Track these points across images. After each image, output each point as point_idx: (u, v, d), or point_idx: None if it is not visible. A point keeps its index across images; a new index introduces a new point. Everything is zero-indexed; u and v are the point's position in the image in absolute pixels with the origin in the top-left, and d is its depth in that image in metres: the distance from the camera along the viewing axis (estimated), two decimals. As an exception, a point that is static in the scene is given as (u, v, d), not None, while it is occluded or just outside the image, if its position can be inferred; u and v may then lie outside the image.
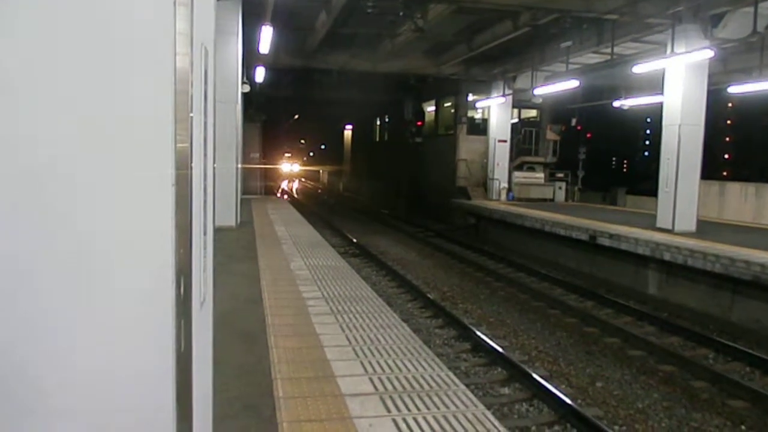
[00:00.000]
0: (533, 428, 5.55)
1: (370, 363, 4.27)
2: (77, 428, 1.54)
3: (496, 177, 21.12)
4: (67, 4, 1.46)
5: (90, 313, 1.50)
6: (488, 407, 3.84)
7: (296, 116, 42.85)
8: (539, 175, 22.44)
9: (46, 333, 1.48)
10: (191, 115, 1.61)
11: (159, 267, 1.54)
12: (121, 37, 1.48)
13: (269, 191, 30.42)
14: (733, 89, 14.12)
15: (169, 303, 1.55)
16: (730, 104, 53.29)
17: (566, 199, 21.77)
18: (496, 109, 21.07)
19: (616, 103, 19.11)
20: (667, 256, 10.22)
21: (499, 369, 6.95)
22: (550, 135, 23.27)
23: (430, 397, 3.69)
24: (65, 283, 1.48)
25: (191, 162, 1.63)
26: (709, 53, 10.95)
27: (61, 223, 1.47)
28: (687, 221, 12.06)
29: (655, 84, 14.24)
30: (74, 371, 1.52)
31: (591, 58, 16.83)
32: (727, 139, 57.77)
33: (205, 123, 1.95)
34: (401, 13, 13.58)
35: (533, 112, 23.51)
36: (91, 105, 1.47)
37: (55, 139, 1.46)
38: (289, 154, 71.59)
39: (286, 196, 34.37)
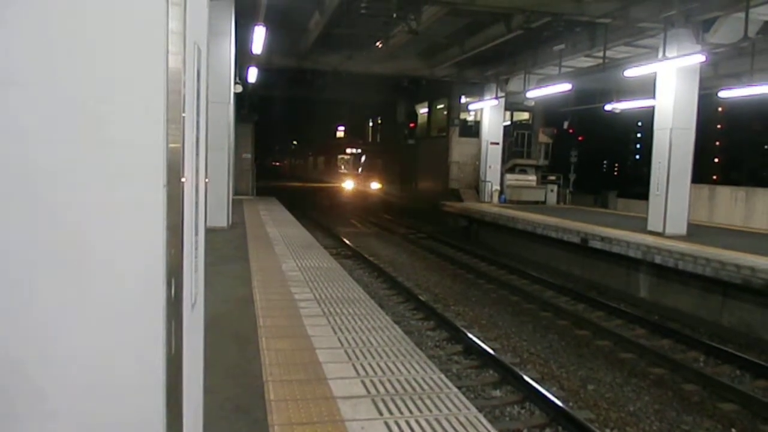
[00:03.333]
0: (525, 431, 5.55)
1: (362, 365, 4.26)
2: (66, 429, 1.52)
3: (488, 179, 21.16)
4: (58, 3, 1.44)
5: (79, 315, 1.48)
6: (480, 409, 3.83)
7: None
8: (531, 178, 22.51)
9: (34, 334, 1.46)
10: (183, 115, 1.60)
11: (150, 268, 1.52)
12: (112, 36, 1.46)
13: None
14: (724, 94, 14.22)
15: (160, 304, 1.53)
16: (720, 108, 53.72)
17: (558, 202, 21.84)
18: (488, 112, 21.12)
19: (608, 107, 19.21)
20: (658, 259, 10.26)
21: (491, 371, 6.95)
22: (542, 138, 23.36)
23: (423, 400, 3.68)
24: (53, 284, 1.46)
25: (183, 162, 1.61)
26: (701, 58, 11.02)
27: (50, 223, 1.45)
28: (678, 224, 12.13)
29: (647, 88, 14.32)
30: (63, 373, 1.50)
31: (583, 62, 16.90)
32: (717, 143, 58.23)
33: (198, 123, 1.94)
34: (395, 15, 13.58)
35: (525, 115, 23.60)
36: (82, 104, 1.45)
37: (45, 139, 1.44)
38: (355, 151, 31.75)
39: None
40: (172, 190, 1.54)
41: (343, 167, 29.88)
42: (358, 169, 29.53)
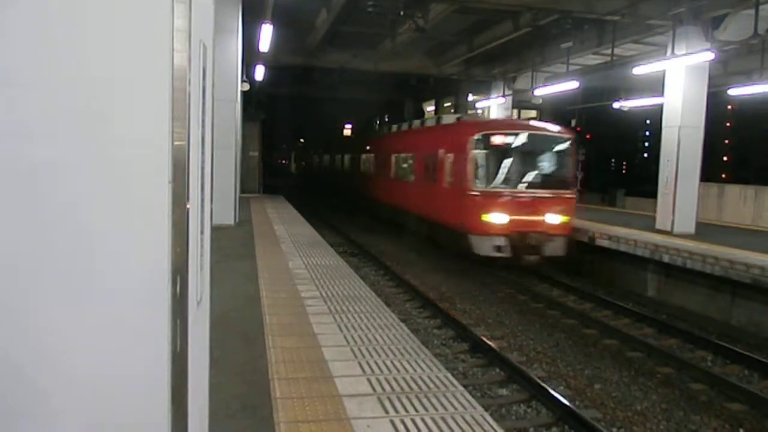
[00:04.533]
0: (531, 430, 5.53)
1: (368, 363, 4.26)
2: (72, 429, 1.52)
3: (495, 177, 20.98)
4: (63, 1, 1.44)
5: (84, 312, 1.48)
6: (486, 408, 3.83)
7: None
8: (539, 176, 22.34)
9: (39, 333, 1.46)
10: (189, 113, 1.60)
11: (155, 265, 1.52)
12: (117, 34, 1.46)
13: None
14: (733, 91, 14.12)
15: (165, 302, 1.53)
16: (729, 107, 53.37)
17: (565, 200, 21.69)
18: (495, 110, 21.07)
19: (616, 105, 19.12)
20: (666, 258, 10.20)
21: (497, 370, 6.93)
22: (550, 136, 23.22)
23: (429, 399, 3.67)
24: (59, 282, 1.46)
25: (188, 160, 1.61)
26: (710, 55, 10.94)
27: (55, 221, 1.45)
28: (686, 223, 12.06)
29: (655, 86, 14.24)
30: (68, 371, 1.50)
31: (591, 59, 16.84)
32: (727, 141, 57.86)
33: (203, 120, 1.94)
34: (402, 13, 13.57)
35: (533, 113, 23.52)
36: (87, 102, 1.45)
37: (51, 137, 1.44)
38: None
39: None
40: (177, 187, 1.54)
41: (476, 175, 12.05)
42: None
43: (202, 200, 1.94)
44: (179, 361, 1.60)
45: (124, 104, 1.47)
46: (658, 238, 11.12)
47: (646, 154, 64.54)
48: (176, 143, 1.52)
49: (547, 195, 12.02)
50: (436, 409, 3.52)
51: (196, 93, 1.73)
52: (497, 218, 11.67)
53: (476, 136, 12.19)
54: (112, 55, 1.46)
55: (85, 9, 1.43)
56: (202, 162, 1.93)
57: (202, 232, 1.95)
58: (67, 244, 1.46)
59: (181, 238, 1.57)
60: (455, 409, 3.54)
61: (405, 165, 16.75)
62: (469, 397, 3.74)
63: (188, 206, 1.62)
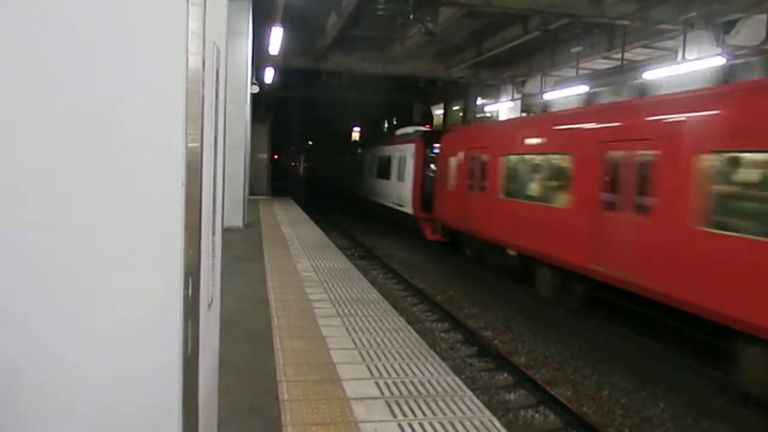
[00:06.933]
0: (539, 435, 5.51)
1: (376, 366, 4.25)
2: (84, 428, 1.52)
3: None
4: (80, 3, 1.45)
5: (97, 314, 1.49)
6: (493, 413, 3.81)
7: None
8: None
9: (53, 334, 1.47)
10: (203, 114, 1.60)
11: (167, 267, 1.52)
12: (133, 36, 1.47)
13: None
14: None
15: (177, 304, 1.53)
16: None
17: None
18: (504, 114, 21.02)
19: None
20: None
21: (505, 375, 6.90)
22: (559, 140, 23.12)
23: (437, 403, 3.66)
24: (73, 284, 1.47)
25: (202, 161, 1.62)
26: (721, 60, 10.87)
27: (69, 223, 1.46)
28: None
29: (666, 91, 14.15)
30: (82, 372, 1.51)
31: (601, 64, 16.77)
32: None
33: (216, 123, 1.94)
34: (411, 16, 13.58)
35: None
36: (103, 103, 1.46)
37: (66, 138, 1.45)
38: None
39: None
40: (191, 189, 1.54)
41: None
42: None
43: (214, 202, 1.95)
44: (191, 363, 1.60)
45: (139, 106, 1.48)
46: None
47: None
48: (190, 145, 1.53)
49: None
50: (444, 414, 3.51)
51: (209, 95, 1.73)
52: None
53: None
54: (127, 57, 1.47)
55: (101, 11, 1.44)
56: (215, 164, 1.93)
57: (213, 234, 1.95)
58: (79, 245, 1.47)
59: (194, 241, 1.57)
60: (463, 413, 3.53)
61: None
62: (477, 402, 3.73)
63: (201, 208, 1.63)
